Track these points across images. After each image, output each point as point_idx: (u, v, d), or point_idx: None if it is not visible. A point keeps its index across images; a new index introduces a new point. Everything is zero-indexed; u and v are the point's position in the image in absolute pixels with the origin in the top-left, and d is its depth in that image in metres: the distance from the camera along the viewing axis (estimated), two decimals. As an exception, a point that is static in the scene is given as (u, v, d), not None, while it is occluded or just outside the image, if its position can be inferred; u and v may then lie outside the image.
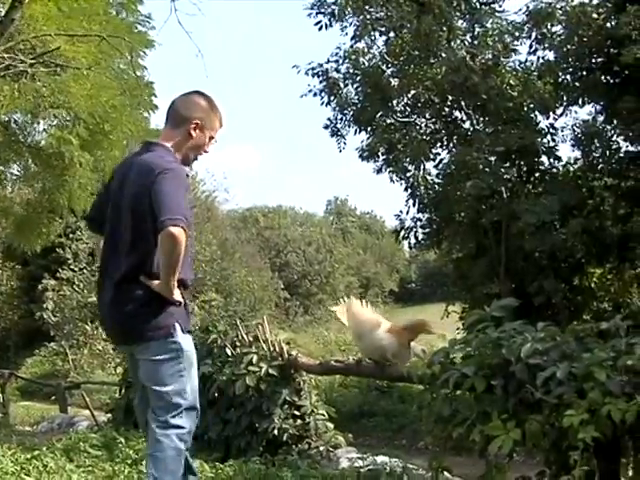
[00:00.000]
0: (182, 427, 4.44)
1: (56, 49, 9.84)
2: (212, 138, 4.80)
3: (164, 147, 4.64)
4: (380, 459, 7.60)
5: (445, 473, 6.06)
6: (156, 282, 4.35)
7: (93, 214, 4.98)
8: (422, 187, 20.21)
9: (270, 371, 8.22)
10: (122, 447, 7.70)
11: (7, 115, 16.46)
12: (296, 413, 8.25)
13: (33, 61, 9.16)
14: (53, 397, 21.36)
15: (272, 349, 8.46)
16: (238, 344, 8.84)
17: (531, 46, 19.08)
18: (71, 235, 30.80)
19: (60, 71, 13.72)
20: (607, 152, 18.50)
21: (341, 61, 20.78)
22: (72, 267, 31.14)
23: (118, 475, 6.62)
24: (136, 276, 4.40)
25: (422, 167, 20.43)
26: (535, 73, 19.19)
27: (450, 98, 20.04)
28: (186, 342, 4.49)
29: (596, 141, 18.49)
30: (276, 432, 8.02)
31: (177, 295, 4.39)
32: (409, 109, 21.14)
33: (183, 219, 4.24)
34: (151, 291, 4.36)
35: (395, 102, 20.91)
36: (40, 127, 17.52)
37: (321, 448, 8.08)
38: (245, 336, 8.80)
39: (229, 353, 8.72)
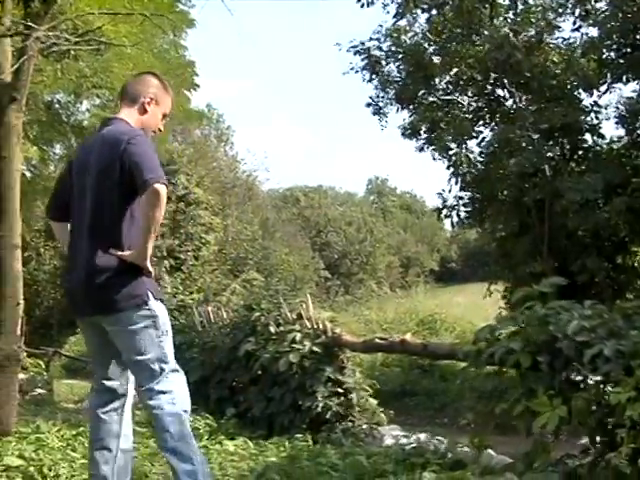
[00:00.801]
0: (169, 391, 4.45)
1: (98, 28, 9.83)
2: (165, 116, 4.94)
3: (123, 121, 4.70)
4: (423, 437, 7.59)
5: (488, 450, 6.05)
6: (128, 252, 4.37)
7: (55, 203, 4.95)
8: (464, 165, 20.03)
9: (314, 348, 8.23)
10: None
11: (50, 95, 16.57)
12: (339, 390, 8.25)
13: (78, 39, 9.16)
14: (96, 375, 21.55)
15: (316, 327, 8.46)
16: (281, 322, 8.84)
17: (575, 23, 18.95)
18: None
19: (102, 51, 13.77)
20: (652, 130, 18.28)
21: (383, 39, 20.72)
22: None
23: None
24: (107, 248, 4.41)
25: (464, 145, 20.26)
26: (579, 50, 18.92)
27: (493, 76, 19.85)
28: (159, 308, 4.50)
29: (640, 118, 18.26)
30: (320, 409, 8.03)
31: (149, 265, 4.42)
32: (451, 87, 21.01)
33: (164, 177, 4.30)
34: (123, 261, 4.38)
35: (437, 80, 20.80)
36: (83, 107, 17.64)
37: (364, 426, 8.07)
38: (288, 314, 8.81)
39: (272, 331, 8.74)
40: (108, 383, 4.66)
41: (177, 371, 4.55)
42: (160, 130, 4.98)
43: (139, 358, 4.50)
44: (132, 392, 4.73)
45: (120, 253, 4.37)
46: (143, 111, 4.78)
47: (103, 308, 4.51)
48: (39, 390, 17.72)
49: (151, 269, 4.46)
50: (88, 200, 4.54)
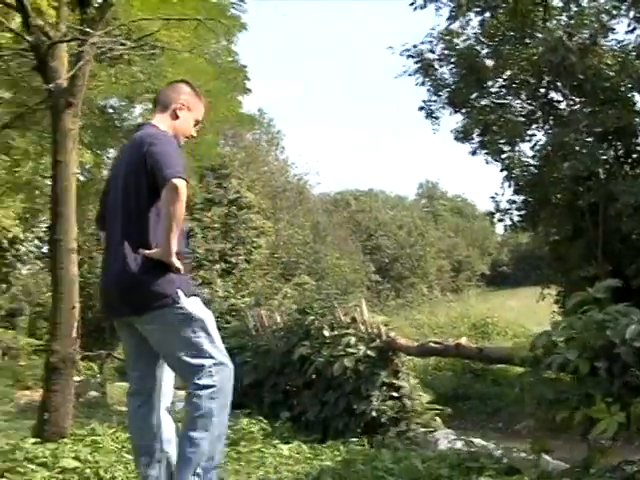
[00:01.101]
0: (211, 386, 4.48)
1: (153, 33, 9.93)
2: (197, 122, 5.05)
3: (154, 125, 4.84)
4: (479, 441, 7.56)
5: (546, 456, 6.01)
6: (154, 250, 4.44)
7: (101, 213, 5.06)
8: (518, 169, 19.96)
9: (368, 352, 8.22)
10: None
11: (104, 100, 16.73)
12: (394, 395, 8.23)
13: (134, 44, 9.26)
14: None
15: (370, 331, 8.45)
16: (335, 326, 8.84)
17: (629, 25, 18.78)
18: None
19: (156, 56, 13.89)
20: None
21: (436, 42, 20.70)
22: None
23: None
24: (136, 248, 4.48)
25: (518, 148, 20.23)
26: (633, 52, 18.72)
27: (546, 78, 19.74)
28: (192, 305, 4.54)
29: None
30: (374, 413, 8.01)
31: (176, 262, 4.45)
32: (504, 90, 20.94)
33: (184, 173, 4.38)
34: (152, 261, 4.45)
35: (490, 83, 20.74)
36: (136, 112, 17.79)
37: (419, 430, 8.05)
38: (343, 318, 8.81)
39: (327, 335, 8.73)
40: (145, 384, 4.74)
41: (221, 364, 4.55)
42: (193, 136, 5.08)
43: (177, 356, 4.57)
44: (168, 393, 4.82)
45: (147, 252, 4.45)
46: (175, 117, 4.90)
47: (136, 308, 4.58)
48: (93, 393, 17.92)
49: (180, 266, 4.49)
50: (119, 203, 4.65)
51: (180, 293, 4.49)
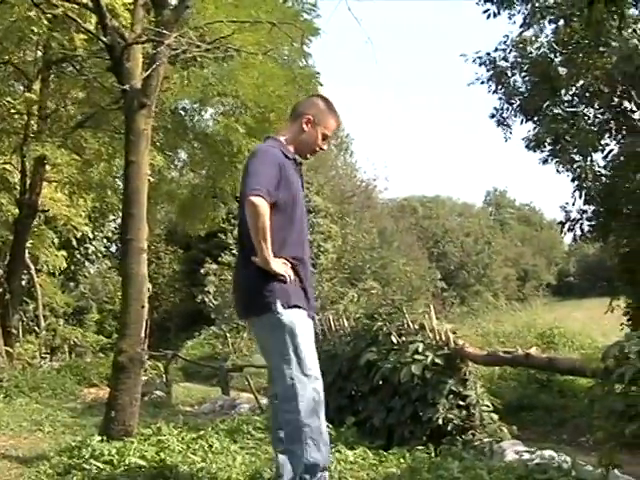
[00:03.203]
0: (292, 398, 4.64)
1: (227, 37, 10.02)
2: (326, 137, 5.14)
3: (275, 139, 5.04)
4: (547, 453, 7.48)
5: (615, 470, 5.94)
6: (256, 258, 4.63)
7: None
8: (589, 178, 19.75)
9: (436, 360, 8.16)
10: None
11: (176, 102, 16.91)
12: (461, 403, 8.15)
13: (209, 46, 9.35)
14: (215, 379, 21.83)
15: (438, 338, 8.41)
16: (403, 332, 8.81)
17: None
18: (233, 221, 31.26)
19: (228, 59, 14.00)
20: None
21: (508, 50, 20.62)
22: (234, 252, 31.63)
23: (279, 458, 6.73)
24: (248, 256, 4.69)
25: (590, 158, 20.00)
26: None
27: (620, 88, 19.53)
28: (289, 316, 4.67)
29: None
30: (441, 422, 7.94)
31: (278, 267, 4.63)
32: (577, 99, 20.76)
33: (263, 189, 4.56)
34: (258, 269, 4.64)
35: (563, 92, 20.56)
36: (207, 114, 17.96)
37: (486, 440, 7.98)
38: (411, 324, 8.78)
39: (394, 341, 8.70)
40: (273, 384, 4.95)
41: (308, 377, 4.69)
42: (322, 149, 5.21)
43: (269, 361, 4.87)
44: None
45: (255, 259, 4.63)
46: (300, 130, 5.03)
47: (241, 311, 4.97)
48: (158, 392, 18.10)
49: (286, 274, 4.66)
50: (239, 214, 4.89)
51: (278, 302, 4.65)
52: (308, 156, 5.19)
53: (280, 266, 4.64)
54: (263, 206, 4.51)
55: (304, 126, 5.00)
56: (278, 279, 4.64)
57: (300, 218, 4.90)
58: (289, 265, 4.71)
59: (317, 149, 5.17)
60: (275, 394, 4.88)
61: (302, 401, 4.64)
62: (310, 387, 4.69)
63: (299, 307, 4.74)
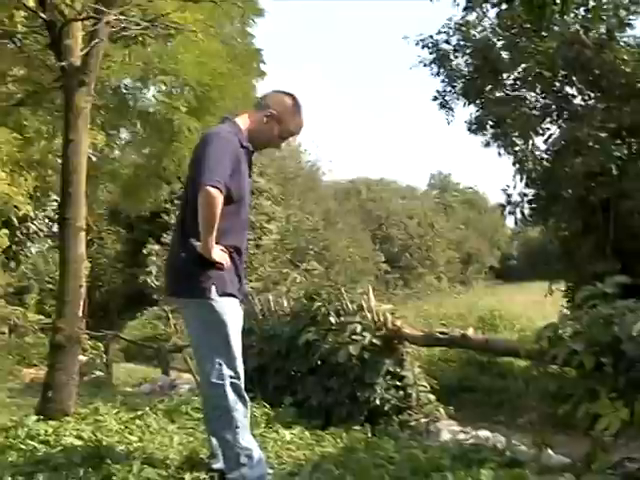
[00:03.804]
0: (220, 385, 4.67)
1: (167, 14, 9.91)
2: (284, 138, 5.11)
3: (232, 122, 4.94)
4: (482, 433, 7.55)
5: (548, 450, 6.00)
6: (198, 243, 4.60)
7: None
8: (530, 162, 19.93)
9: (374, 341, 8.18)
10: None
11: (117, 80, 16.71)
12: (398, 384, 8.18)
13: (149, 24, 9.25)
14: (154, 360, 21.75)
15: (377, 319, 8.42)
16: (342, 313, 8.81)
17: (647, 20, 18.63)
18: (176, 201, 31.06)
19: (169, 37, 13.85)
20: None
21: (451, 33, 20.67)
22: (175, 232, 31.36)
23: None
24: (186, 239, 4.69)
25: (531, 142, 20.17)
26: (650, 49, 18.62)
27: (562, 73, 19.66)
28: (222, 304, 4.68)
29: None
30: (378, 402, 7.97)
31: (218, 256, 4.63)
32: (519, 83, 20.87)
33: (221, 181, 4.52)
34: (196, 254, 4.62)
35: (505, 75, 20.69)
36: (149, 93, 17.77)
37: (422, 420, 8.03)
38: (350, 305, 8.78)
39: (333, 321, 8.69)
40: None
41: (234, 364, 4.73)
42: (276, 147, 5.25)
43: (196, 346, 4.89)
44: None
45: (196, 243, 4.60)
46: (260, 122, 4.94)
47: (172, 290, 4.91)
48: (98, 372, 18.01)
49: (224, 262, 4.66)
50: (184, 193, 4.89)
51: (213, 289, 4.64)
52: (259, 149, 5.10)
53: (220, 255, 4.64)
54: (219, 198, 4.48)
55: (265, 119, 4.93)
56: (216, 266, 4.63)
57: (245, 209, 4.90)
58: (227, 253, 4.70)
59: (271, 146, 5.17)
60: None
61: (228, 385, 4.67)
62: (233, 373, 4.71)
63: (233, 296, 4.76)
